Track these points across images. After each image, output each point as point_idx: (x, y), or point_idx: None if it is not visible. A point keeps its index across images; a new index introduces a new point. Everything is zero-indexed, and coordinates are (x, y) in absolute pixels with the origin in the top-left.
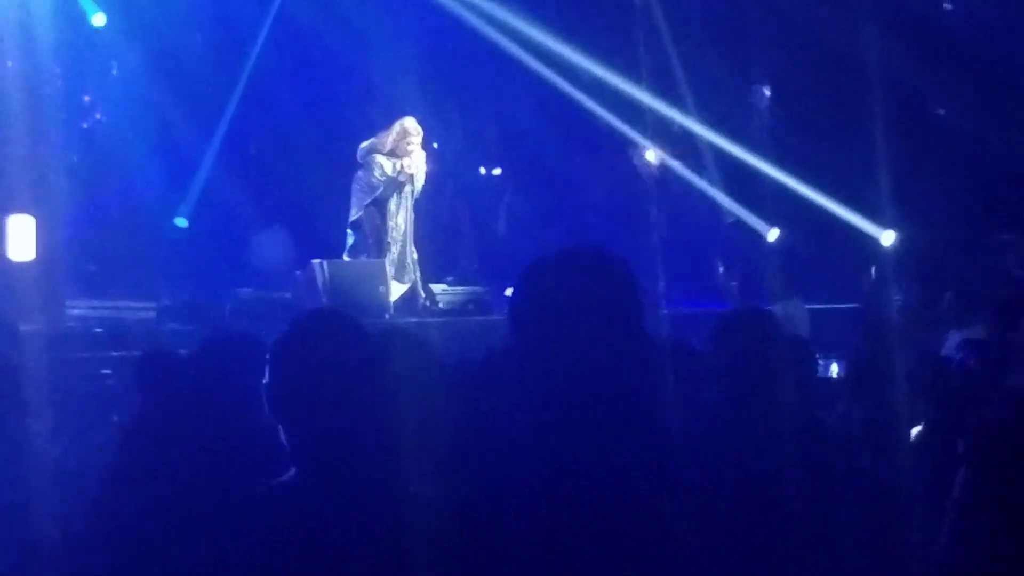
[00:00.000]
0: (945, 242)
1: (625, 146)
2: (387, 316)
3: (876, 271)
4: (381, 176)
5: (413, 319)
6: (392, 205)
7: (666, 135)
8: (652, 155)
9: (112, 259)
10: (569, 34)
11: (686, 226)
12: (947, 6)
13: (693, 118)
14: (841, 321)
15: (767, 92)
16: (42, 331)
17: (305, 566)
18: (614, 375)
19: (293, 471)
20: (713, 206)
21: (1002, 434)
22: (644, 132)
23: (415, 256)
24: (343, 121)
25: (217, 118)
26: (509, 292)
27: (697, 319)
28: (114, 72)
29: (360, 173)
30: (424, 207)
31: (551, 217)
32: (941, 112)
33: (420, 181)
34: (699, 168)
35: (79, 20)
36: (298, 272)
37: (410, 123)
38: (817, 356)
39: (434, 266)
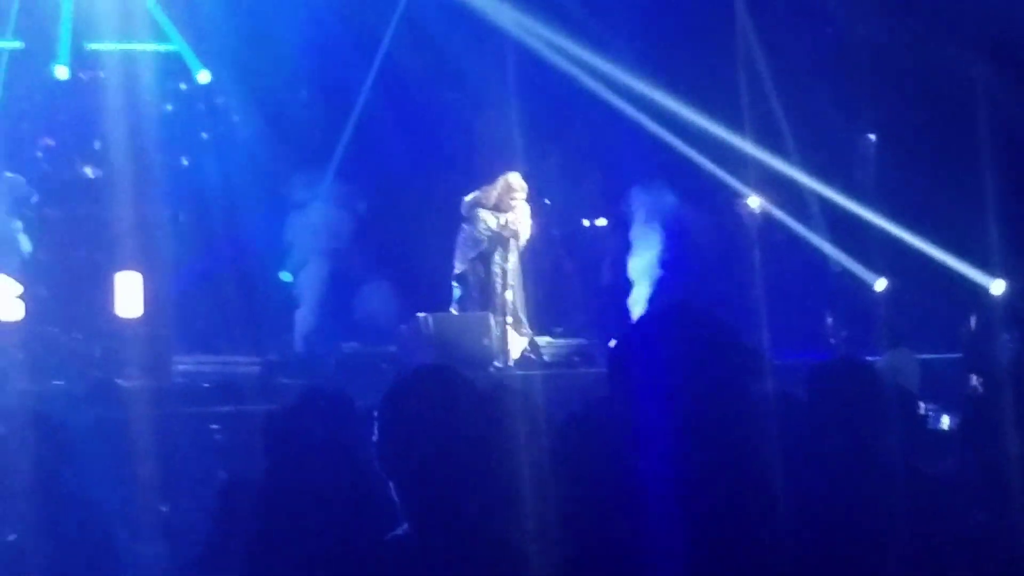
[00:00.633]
0: None
1: (730, 196)
2: (492, 369)
3: (981, 320)
4: (485, 230)
5: (518, 372)
6: (497, 258)
7: (771, 184)
8: (757, 204)
9: (218, 314)
10: (673, 85)
11: (791, 276)
12: None
13: (798, 167)
14: (952, 372)
15: (873, 140)
16: (150, 387)
17: None
18: (714, 428)
19: (405, 526)
20: (819, 256)
21: None
22: (749, 181)
23: (521, 309)
24: (448, 174)
25: (322, 172)
26: (613, 344)
27: (802, 370)
28: (219, 128)
29: (465, 227)
30: (529, 260)
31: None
32: None
33: (525, 235)
34: (805, 217)
35: (185, 77)
36: (403, 326)
37: (514, 178)
38: (927, 407)
39: (539, 319)
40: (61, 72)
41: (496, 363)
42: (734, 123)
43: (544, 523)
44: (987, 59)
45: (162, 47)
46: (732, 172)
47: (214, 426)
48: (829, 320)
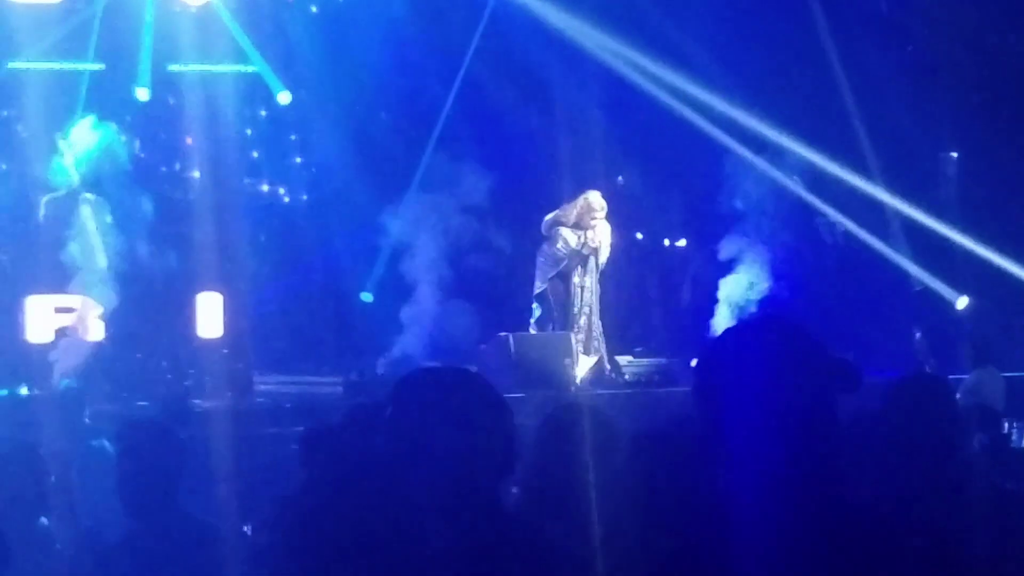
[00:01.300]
0: None
1: (811, 214)
2: (573, 388)
3: None
4: (565, 249)
5: (600, 391)
6: (576, 277)
7: (852, 203)
8: (838, 223)
9: (299, 335)
10: (756, 105)
11: (872, 294)
12: None
13: (880, 185)
14: None
15: (955, 157)
16: (231, 407)
17: None
18: (800, 445)
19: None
20: (901, 274)
21: None
22: (830, 200)
23: (601, 328)
24: (529, 193)
25: (402, 192)
26: (694, 363)
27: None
28: (300, 149)
29: (545, 246)
30: (610, 279)
31: (735, 289)
32: None
33: (605, 254)
34: (886, 235)
35: (266, 98)
36: (483, 345)
37: (594, 197)
38: (1014, 425)
39: (620, 338)
40: (142, 94)
41: (576, 382)
42: (816, 141)
43: (625, 541)
44: None
45: (243, 68)
46: (814, 191)
47: (295, 446)
48: (918, 336)
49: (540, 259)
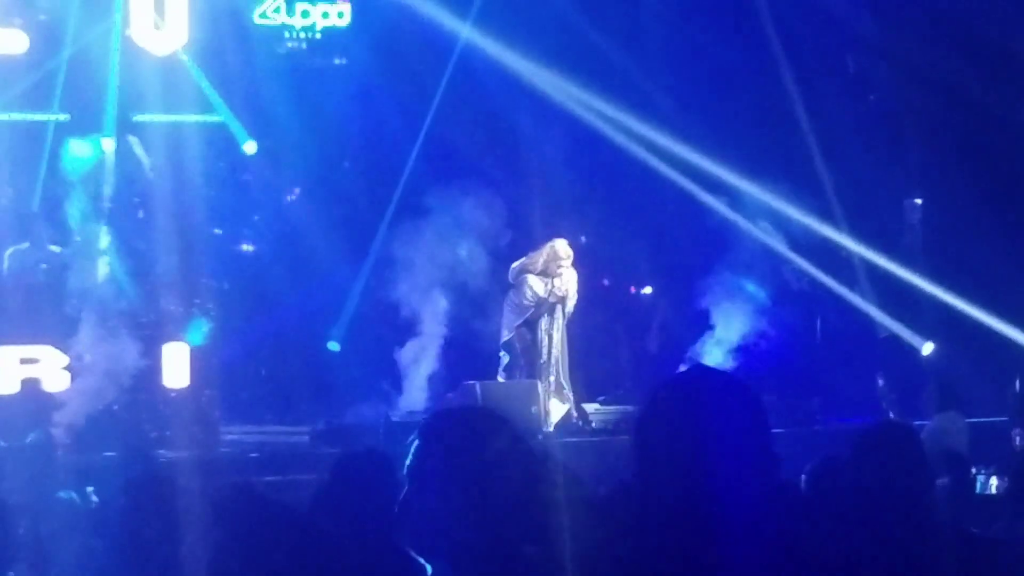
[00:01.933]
0: None
1: (776, 261)
2: (540, 436)
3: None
4: (532, 297)
5: (567, 439)
6: (544, 325)
7: (817, 250)
8: (804, 269)
9: (265, 384)
10: (721, 153)
11: (840, 341)
12: None
13: (845, 232)
14: (1003, 435)
15: (919, 204)
16: (197, 457)
17: None
18: (736, 502)
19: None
20: (867, 320)
21: None
22: (794, 247)
23: (568, 376)
24: (497, 241)
25: (367, 242)
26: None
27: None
28: (264, 199)
29: (512, 294)
30: (576, 326)
31: (700, 335)
32: None
33: (572, 302)
34: (851, 282)
35: (231, 148)
36: (450, 394)
37: (561, 245)
38: (978, 470)
39: (587, 386)
40: (107, 144)
41: (543, 430)
42: (782, 189)
43: None
44: None
45: (209, 118)
46: (777, 237)
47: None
48: (881, 383)
49: (507, 307)
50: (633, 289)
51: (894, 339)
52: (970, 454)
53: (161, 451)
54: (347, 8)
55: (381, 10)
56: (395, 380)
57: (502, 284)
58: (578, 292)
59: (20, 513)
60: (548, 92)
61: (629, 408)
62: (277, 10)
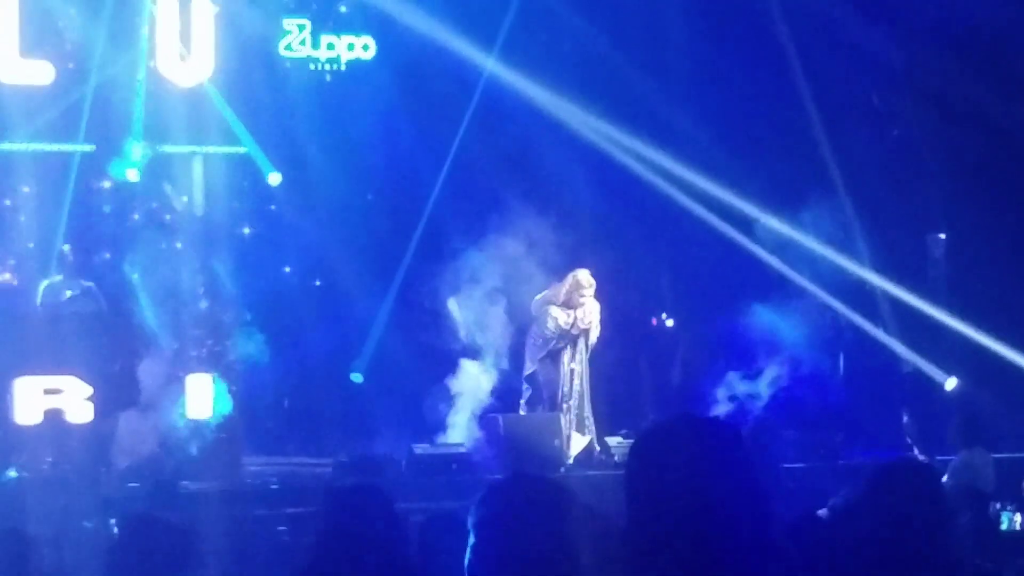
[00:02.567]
0: None
1: (800, 295)
2: (563, 469)
3: None
4: (555, 328)
5: (589, 472)
6: (566, 357)
7: (841, 284)
8: (828, 304)
9: (288, 416)
10: (744, 186)
11: (864, 375)
12: None
13: (868, 267)
14: None
15: (943, 239)
16: (220, 489)
17: None
18: (725, 546)
19: None
20: (891, 355)
21: None
22: (818, 282)
23: (591, 409)
24: (520, 271)
25: (391, 273)
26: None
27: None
28: (288, 231)
29: (534, 327)
30: (598, 358)
31: (725, 368)
32: None
33: (595, 334)
34: (875, 317)
35: (256, 179)
36: (479, 432)
37: (583, 275)
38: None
39: (609, 418)
40: (132, 175)
41: (566, 463)
42: (805, 222)
43: None
44: None
45: (233, 149)
46: (802, 272)
47: (281, 528)
48: (905, 419)
49: (530, 340)
50: (655, 321)
51: (918, 374)
52: (996, 490)
53: (184, 482)
54: (372, 41)
55: (406, 43)
56: (418, 412)
57: (525, 316)
58: (601, 323)
59: (42, 544)
60: (572, 124)
61: None
62: (303, 42)
